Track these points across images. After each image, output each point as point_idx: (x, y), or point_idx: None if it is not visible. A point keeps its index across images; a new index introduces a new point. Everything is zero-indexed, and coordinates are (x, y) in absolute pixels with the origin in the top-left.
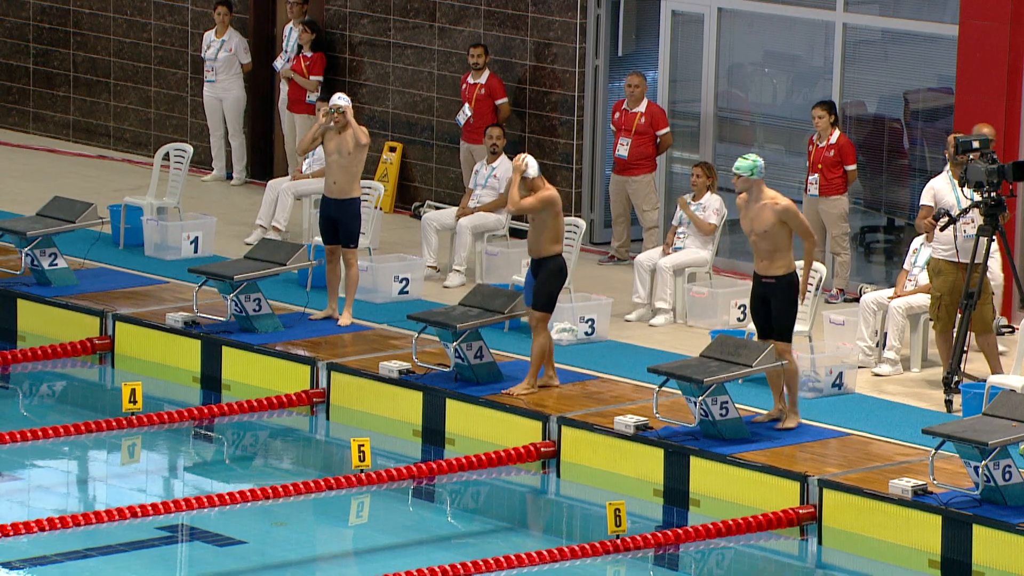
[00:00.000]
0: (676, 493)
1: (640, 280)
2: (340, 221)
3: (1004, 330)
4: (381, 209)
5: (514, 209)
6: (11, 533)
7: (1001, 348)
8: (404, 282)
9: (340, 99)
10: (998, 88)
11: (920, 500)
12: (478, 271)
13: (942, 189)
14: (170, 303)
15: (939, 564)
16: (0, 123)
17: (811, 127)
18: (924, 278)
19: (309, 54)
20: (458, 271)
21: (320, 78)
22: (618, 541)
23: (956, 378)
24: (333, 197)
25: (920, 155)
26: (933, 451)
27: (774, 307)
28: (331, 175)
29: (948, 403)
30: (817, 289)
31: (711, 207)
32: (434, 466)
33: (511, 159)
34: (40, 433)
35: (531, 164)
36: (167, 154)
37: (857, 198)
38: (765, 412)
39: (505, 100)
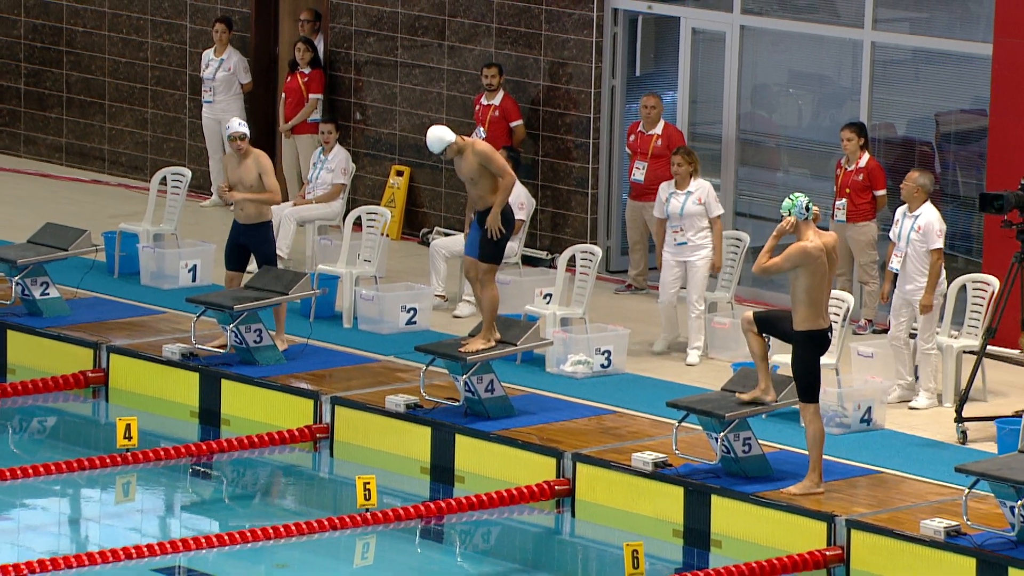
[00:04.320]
0: (697, 533)
1: (668, 319)
2: (254, 248)
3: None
4: (388, 236)
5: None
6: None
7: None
8: (412, 312)
9: (240, 125)
10: None
11: (953, 541)
12: None
13: None
14: (167, 334)
15: None
16: None
17: (838, 150)
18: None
19: (307, 71)
20: (468, 301)
21: (319, 96)
22: None
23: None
24: (243, 223)
25: (952, 179)
26: (967, 490)
27: (791, 362)
28: (239, 203)
29: (963, 434)
30: (844, 320)
31: (709, 195)
32: (443, 505)
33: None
34: (31, 471)
35: None
36: (164, 178)
37: (886, 225)
38: (795, 487)
39: (520, 122)
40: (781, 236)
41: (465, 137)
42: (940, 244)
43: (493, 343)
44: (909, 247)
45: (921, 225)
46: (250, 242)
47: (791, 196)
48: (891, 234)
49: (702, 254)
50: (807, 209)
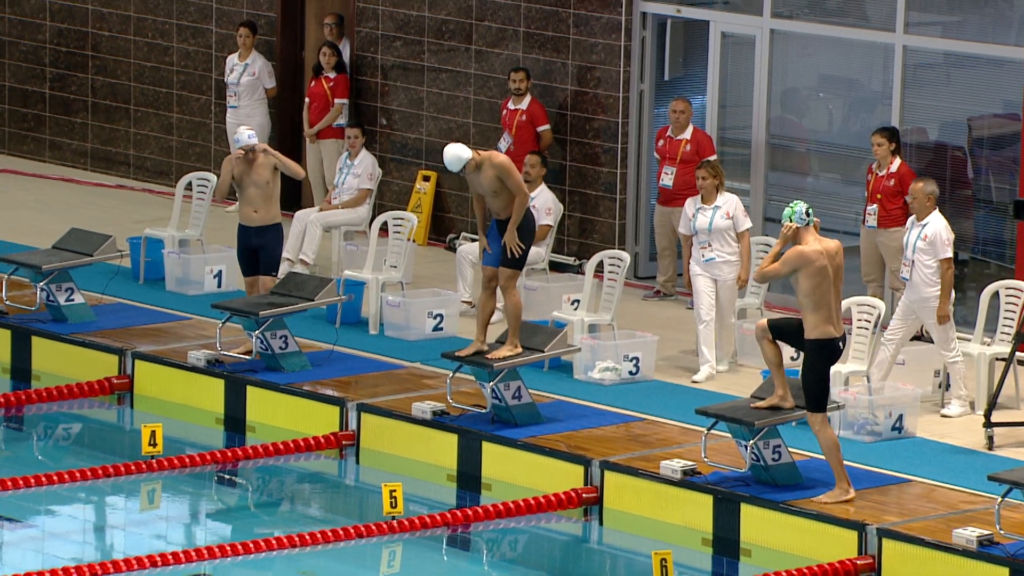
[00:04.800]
0: (726, 542)
1: (706, 344)
2: (263, 248)
3: None
4: (414, 241)
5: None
6: None
7: None
8: (438, 318)
9: (251, 137)
10: None
11: (986, 551)
12: None
13: None
14: (192, 340)
15: None
16: (15, 151)
17: (869, 155)
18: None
19: (332, 75)
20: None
21: (345, 100)
22: None
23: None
24: (254, 225)
25: (984, 185)
26: (1000, 499)
27: (800, 369)
28: (250, 205)
29: (989, 439)
30: (875, 326)
31: (736, 209)
32: (469, 513)
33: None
34: (55, 478)
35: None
36: (189, 184)
37: None
38: (825, 496)
39: (547, 127)
40: (784, 243)
41: (481, 151)
42: (949, 253)
43: (520, 349)
44: (915, 256)
45: (928, 234)
46: (260, 243)
47: (791, 204)
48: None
49: (731, 269)
50: (807, 215)
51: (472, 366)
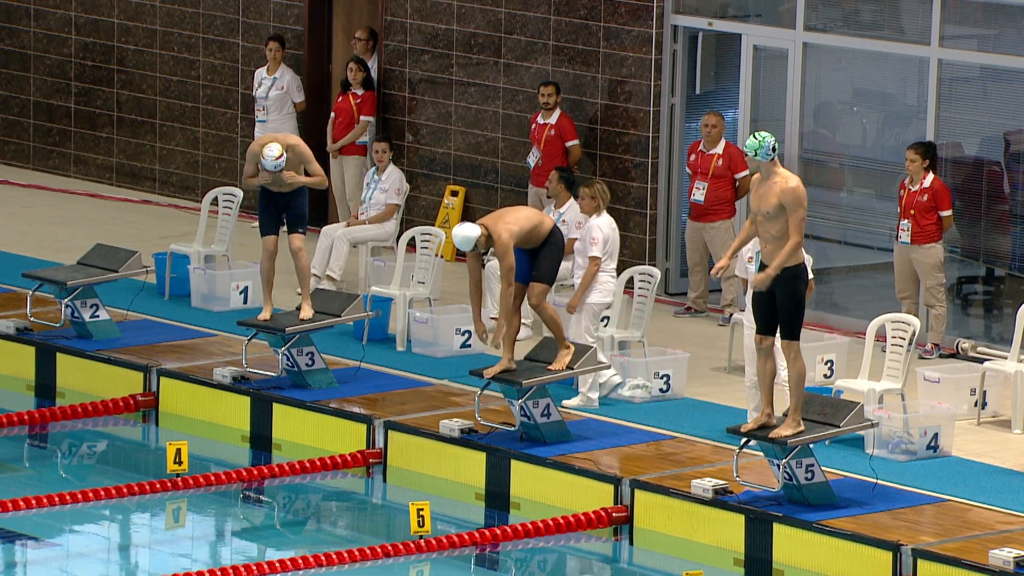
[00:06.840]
0: (758, 563)
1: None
2: (289, 208)
3: None
4: (442, 257)
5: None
6: None
7: None
8: (466, 335)
9: (277, 167)
10: None
11: (1023, 572)
12: None
13: None
14: (218, 357)
15: None
16: (40, 166)
17: (904, 170)
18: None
19: (360, 92)
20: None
21: (371, 118)
22: None
23: None
24: (280, 192)
25: (1021, 200)
26: None
27: (778, 300)
28: (275, 184)
29: None
30: (911, 344)
31: (588, 234)
32: (498, 532)
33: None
34: (80, 496)
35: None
36: (215, 199)
37: (953, 246)
38: (751, 421)
39: (576, 142)
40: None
41: (487, 223)
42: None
43: (573, 349)
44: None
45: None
46: (287, 204)
47: (756, 135)
48: (741, 268)
49: (589, 295)
50: (773, 150)
51: (501, 383)
